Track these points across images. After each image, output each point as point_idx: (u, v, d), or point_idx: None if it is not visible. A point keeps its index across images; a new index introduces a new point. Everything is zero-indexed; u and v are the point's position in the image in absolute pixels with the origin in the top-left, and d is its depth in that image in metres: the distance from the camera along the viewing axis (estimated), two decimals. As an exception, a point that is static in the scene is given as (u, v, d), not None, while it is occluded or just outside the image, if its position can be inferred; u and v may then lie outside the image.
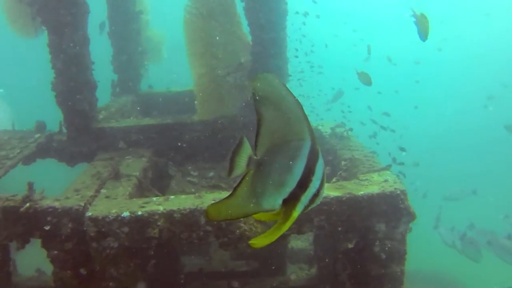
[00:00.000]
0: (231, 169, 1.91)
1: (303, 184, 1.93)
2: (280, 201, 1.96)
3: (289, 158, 1.91)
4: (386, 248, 4.00)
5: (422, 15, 5.31)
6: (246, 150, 1.91)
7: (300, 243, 7.20)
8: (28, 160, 5.21)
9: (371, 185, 4.03)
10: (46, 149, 5.48)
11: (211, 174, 5.25)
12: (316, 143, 1.93)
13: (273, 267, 6.35)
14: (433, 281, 11.37)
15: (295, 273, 6.40)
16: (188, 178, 5.18)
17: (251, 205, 1.94)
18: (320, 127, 5.87)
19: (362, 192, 3.90)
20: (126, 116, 6.63)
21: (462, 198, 11.81)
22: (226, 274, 6.51)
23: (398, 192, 3.91)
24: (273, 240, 1.97)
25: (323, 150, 5.44)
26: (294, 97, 1.85)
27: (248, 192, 1.93)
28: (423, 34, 5.29)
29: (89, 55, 5.33)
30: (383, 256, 4.01)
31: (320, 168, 1.95)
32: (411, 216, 3.95)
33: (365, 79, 6.25)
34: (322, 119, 7.58)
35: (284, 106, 1.86)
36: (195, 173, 5.28)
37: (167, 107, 7.44)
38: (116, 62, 7.27)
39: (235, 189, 1.92)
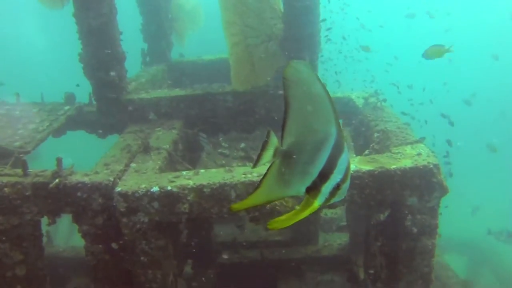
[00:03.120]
0: (258, 161, 1.96)
1: (324, 175, 1.97)
2: (303, 189, 2.02)
3: (313, 149, 1.95)
4: (418, 222, 3.94)
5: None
6: (274, 142, 1.94)
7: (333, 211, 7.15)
8: (58, 132, 5.18)
9: (403, 159, 3.92)
10: (76, 121, 5.44)
11: (243, 145, 5.15)
12: (343, 137, 1.95)
13: (306, 237, 6.32)
14: (466, 250, 11.41)
15: (327, 242, 6.36)
16: (219, 150, 5.09)
17: (277, 192, 2.04)
18: (353, 97, 5.68)
19: (394, 166, 3.79)
20: (157, 86, 6.55)
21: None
22: (259, 243, 6.50)
23: (431, 166, 3.80)
24: (290, 224, 2.04)
25: (356, 121, 5.31)
26: (325, 88, 1.85)
27: (274, 181, 2.00)
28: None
29: (117, 25, 5.20)
30: (415, 230, 3.96)
31: (343, 162, 1.96)
32: (444, 191, 3.85)
33: (437, 53, 6.09)
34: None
35: (313, 97, 1.87)
36: (226, 145, 5.18)
37: (198, 75, 7.34)
38: (145, 31, 7.15)
39: (261, 181, 2.00)
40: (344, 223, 6.59)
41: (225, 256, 6.24)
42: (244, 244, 6.48)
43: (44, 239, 6.03)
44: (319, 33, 5.05)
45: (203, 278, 5.93)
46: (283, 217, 2.07)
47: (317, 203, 2.02)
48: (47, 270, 4.20)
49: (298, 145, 1.95)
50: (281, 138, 1.96)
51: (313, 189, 2.00)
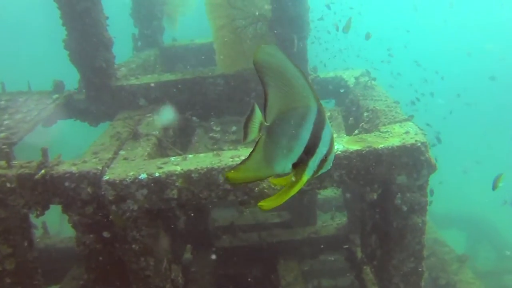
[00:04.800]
0: (245, 135, 2.03)
1: (310, 150, 2.03)
2: (289, 166, 2.08)
3: (295, 124, 2.00)
4: (407, 200, 3.91)
5: None
6: (258, 117, 2.02)
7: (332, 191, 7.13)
8: (49, 121, 5.12)
9: (392, 137, 3.87)
10: (66, 109, 5.37)
11: (234, 128, 5.09)
12: (323, 110, 2.00)
13: (304, 218, 6.29)
14: (463, 224, 11.45)
15: (326, 222, 6.34)
16: (210, 134, 5.03)
17: (265, 168, 2.08)
18: (345, 76, 5.59)
19: (382, 145, 3.74)
20: (149, 71, 6.47)
21: None
22: (257, 226, 6.48)
23: (419, 144, 3.75)
24: (281, 202, 2.07)
25: (347, 100, 5.23)
26: (296, 66, 1.89)
27: (261, 157, 2.06)
28: None
29: (102, 9, 5.10)
30: (405, 208, 3.94)
31: (327, 135, 2.03)
32: (432, 168, 3.82)
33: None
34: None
35: (287, 76, 1.92)
36: (218, 128, 5.12)
37: (191, 59, 7.26)
38: (135, 15, 7.05)
39: (250, 153, 2.05)
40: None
41: (223, 241, 6.23)
42: (245, 227, 6.47)
43: (40, 231, 6.08)
44: (307, 13, 4.95)
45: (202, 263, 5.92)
46: (274, 196, 2.10)
47: (305, 177, 2.08)
48: (38, 263, 4.16)
49: (281, 121, 2.01)
50: (264, 117, 2.02)
51: (300, 165, 2.06)
